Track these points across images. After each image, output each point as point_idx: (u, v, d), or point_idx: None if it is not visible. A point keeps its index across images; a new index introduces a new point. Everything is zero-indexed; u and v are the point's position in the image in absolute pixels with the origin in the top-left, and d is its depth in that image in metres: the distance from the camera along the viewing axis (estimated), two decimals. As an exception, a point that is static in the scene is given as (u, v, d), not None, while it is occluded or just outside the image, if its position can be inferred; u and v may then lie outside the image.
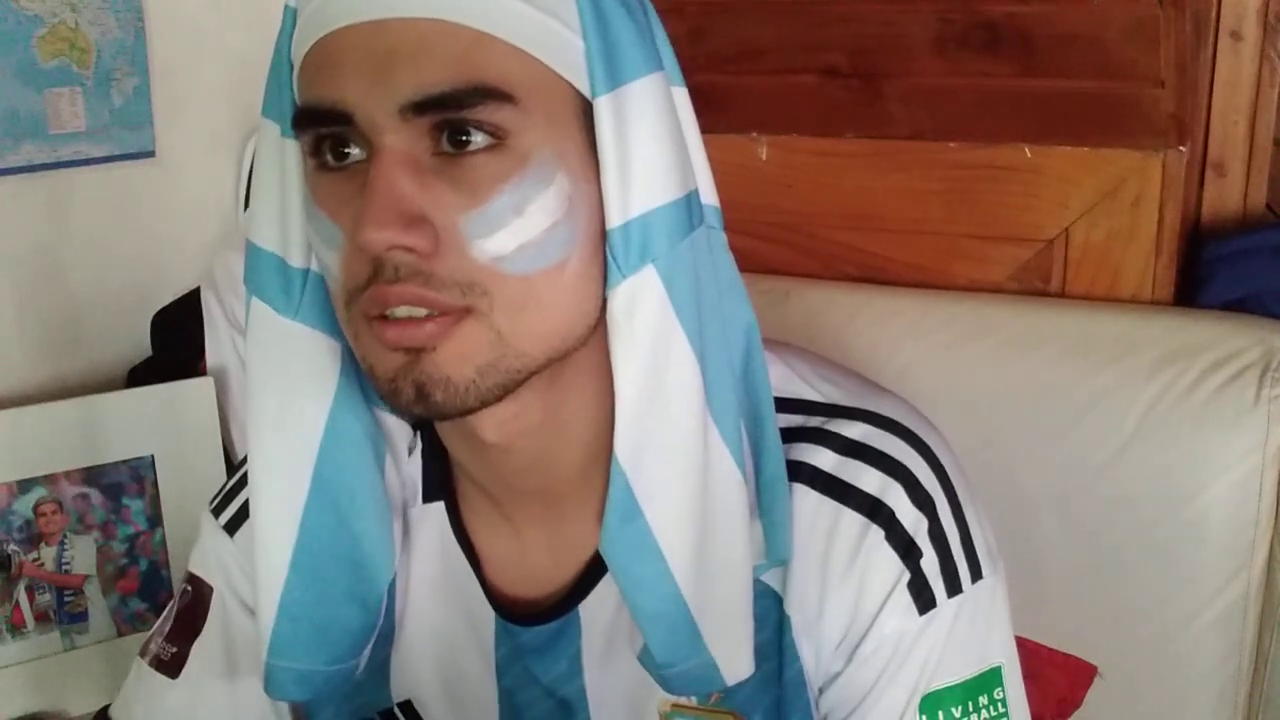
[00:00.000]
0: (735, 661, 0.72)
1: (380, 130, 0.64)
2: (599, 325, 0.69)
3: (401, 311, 0.65)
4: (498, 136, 0.64)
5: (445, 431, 0.78)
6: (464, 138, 0.64)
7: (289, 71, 0.70)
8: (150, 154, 1.44)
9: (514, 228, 0.64)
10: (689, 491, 0.69)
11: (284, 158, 0.72)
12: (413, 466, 0.82)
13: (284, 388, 0.74)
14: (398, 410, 0.68)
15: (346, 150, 0.66)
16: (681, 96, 0.71)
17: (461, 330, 0.65)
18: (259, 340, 0.74)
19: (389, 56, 0.63)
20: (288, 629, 0.76)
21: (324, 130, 0.66)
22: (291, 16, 0.69)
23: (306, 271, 0.72)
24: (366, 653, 0.79)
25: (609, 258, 0.67)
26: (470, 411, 0.67)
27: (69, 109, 1.36)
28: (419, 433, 0.82)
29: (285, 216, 0.72)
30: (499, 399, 0.67)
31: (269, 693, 0.78)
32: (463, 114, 0.64)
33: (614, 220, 0.66)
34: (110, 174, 1.42)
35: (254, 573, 0.76)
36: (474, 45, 0.64)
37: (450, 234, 0.64)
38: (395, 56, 0.63)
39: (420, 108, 0.63)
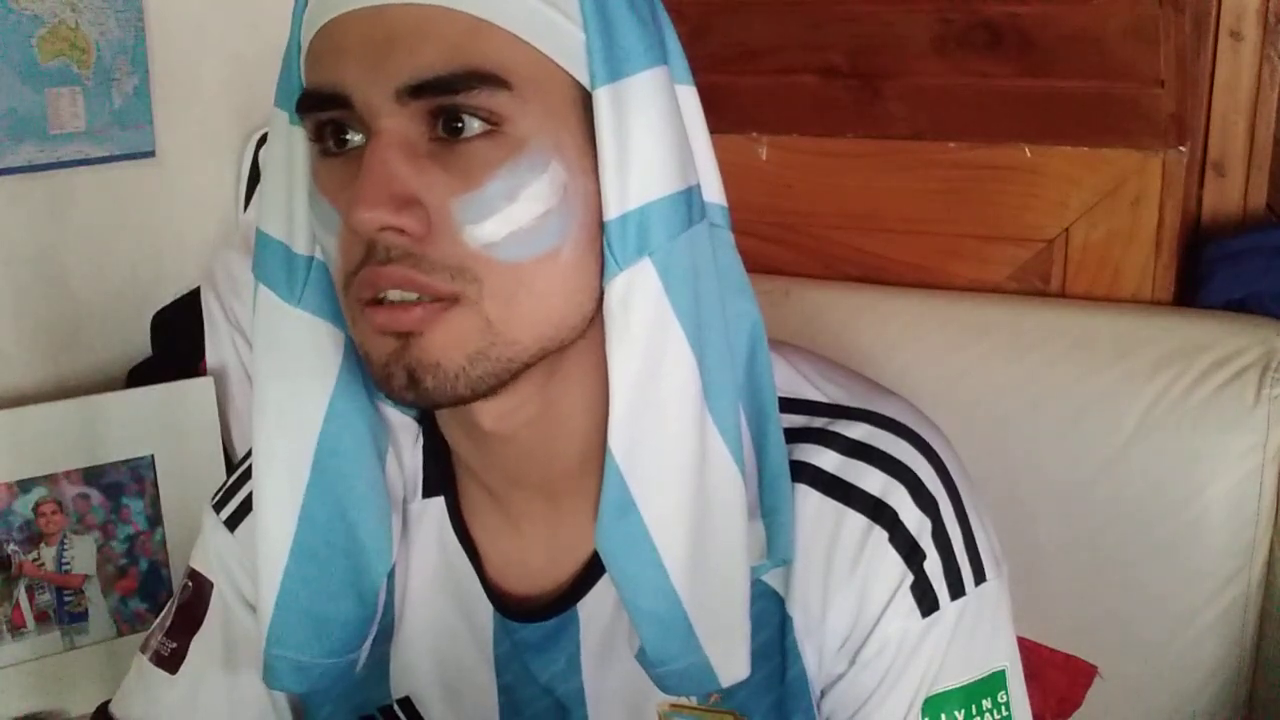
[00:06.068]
0: (731, 662, 0.72)
1: (377, 114, 0.64)
2: (596, 319, 0.69)
3: (394, 295, 0.65)
4: (493, 123, 0.64)
5: (445, 422, 0.78)
6: (459, 123, 0.64)
7: (298, 58, 0.70)
8: (150, 154, 1.44)
9: (505, 214, 0.64)
10: (685, 488, 0.69)
11: (292, 145, 0.72)
12: (414, 461, 0.82)
13: (286, 374, 0.74)
14: (392, 398, 0.68)
15: (347, 136, 0.67)
16: (688, 94, 0.71)
17: (450, 317, 0.65)
18: (264, 327, 0.75)
19: (387, 41, 0.64)
20: (286, 618, 0.76)
21: (324, 115, 0.66)
22: (303, 4, 0.70)
23: (310, 259, 0.73)
24: (366, 648, 0.79)
25: (606, 250, 0.67)
26: (462, 400, 0.67)
27: (69, 109, 1.36)
28: (421, 427, 0.82)
29: (291, 203, 0.72)
30: (492, 389, 0.67)
31: (267, 682, 0.78)
32: (457, 99, 0.64)
33: (611, 212, 0.66)
34: (110, 174, 1.42)
35: (256, 561, 0.76)
36: (471, 31, 0.64)
37: (442, 218, 0.64)
38: (392, 41, 0.64)
39: (415, 91, 0.64)
